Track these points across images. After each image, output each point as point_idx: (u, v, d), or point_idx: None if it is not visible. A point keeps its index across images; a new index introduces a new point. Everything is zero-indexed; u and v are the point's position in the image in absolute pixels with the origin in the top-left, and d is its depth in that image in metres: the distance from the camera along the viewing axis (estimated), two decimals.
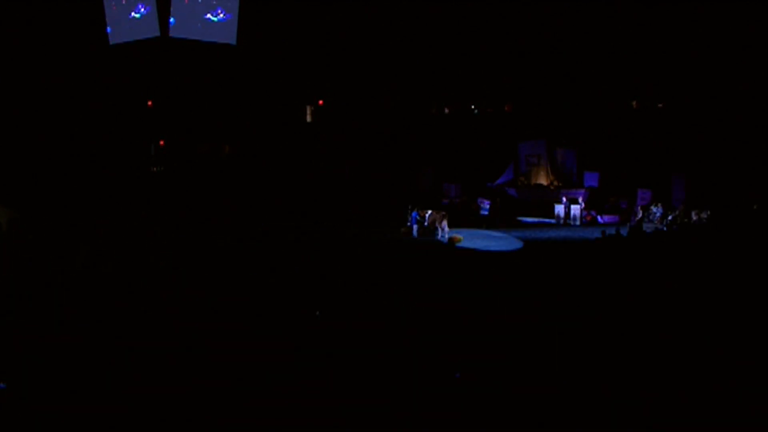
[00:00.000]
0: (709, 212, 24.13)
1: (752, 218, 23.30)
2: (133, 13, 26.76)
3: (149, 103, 30.43)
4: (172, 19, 26.03)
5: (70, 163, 26.91)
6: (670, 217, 25.16)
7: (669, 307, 14.56)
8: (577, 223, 26.29)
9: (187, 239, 22.44)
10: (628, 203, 27.15)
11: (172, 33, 26.64)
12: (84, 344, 12.69)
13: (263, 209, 27.22)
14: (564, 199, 27.27)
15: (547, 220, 27.04)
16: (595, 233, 21.67)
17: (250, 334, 13.31)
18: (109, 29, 26.70)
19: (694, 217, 24.24)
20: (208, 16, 26.56)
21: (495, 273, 18.09)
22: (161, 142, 30.82)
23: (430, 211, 24.54)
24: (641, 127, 28.44)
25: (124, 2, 26.96)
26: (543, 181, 29.98)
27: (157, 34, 26.59)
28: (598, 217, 26.41)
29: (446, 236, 23.06)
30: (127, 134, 29.25)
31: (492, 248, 22.08)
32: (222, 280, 17.74)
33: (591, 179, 28.89)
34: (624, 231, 21.30)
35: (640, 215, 25.64)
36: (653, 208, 26.02)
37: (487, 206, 29.05)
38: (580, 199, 27.36)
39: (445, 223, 23.60)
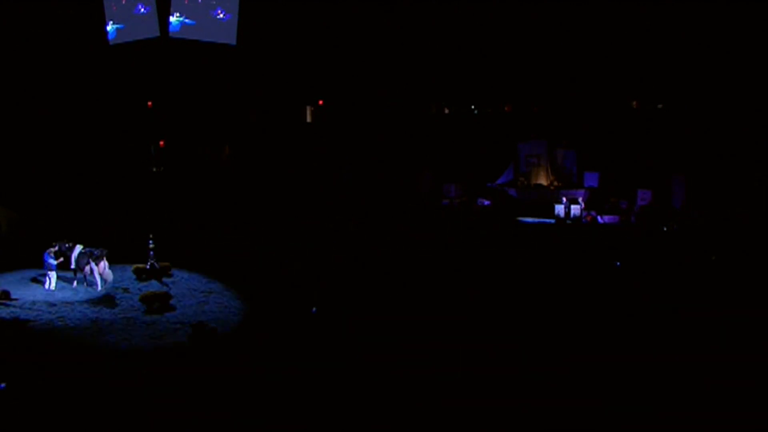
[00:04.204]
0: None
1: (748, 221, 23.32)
2: (132, 14, 26.72)
3: (149, 103, 30.39)
4: (173, 17, 25.99)
5: (70, 164, 26.88)
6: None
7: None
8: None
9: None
10: (628, 203, 27.12)
11: (172, 33, 26.61)
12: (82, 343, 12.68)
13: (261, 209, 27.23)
14: (564, 199, 27.25)
15: (547, 220, 27.02)
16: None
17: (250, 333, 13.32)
18: (108, 29, 26.66)
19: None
20: (208, 15, 26.51)
21: None
22: (161, 143, 30.77)
23: (78, 248, 17.03)
24: (641, 127, 28.41)
25: (123, 2, 26.90)
26: (543, 181, 29.94)
27: (157, 34, 26.53)
28: (598, 218, 26.38)
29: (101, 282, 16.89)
30: (127, 134, 29.20)
31: None
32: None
33: (591, 179, 28.86)
34: None
35: None
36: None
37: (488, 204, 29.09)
38: (580, 200, 27.33)
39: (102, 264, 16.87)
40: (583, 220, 26.28)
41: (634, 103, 29.65)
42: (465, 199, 29.75)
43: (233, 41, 27.14)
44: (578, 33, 28.04)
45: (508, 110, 32.05)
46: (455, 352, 12.17)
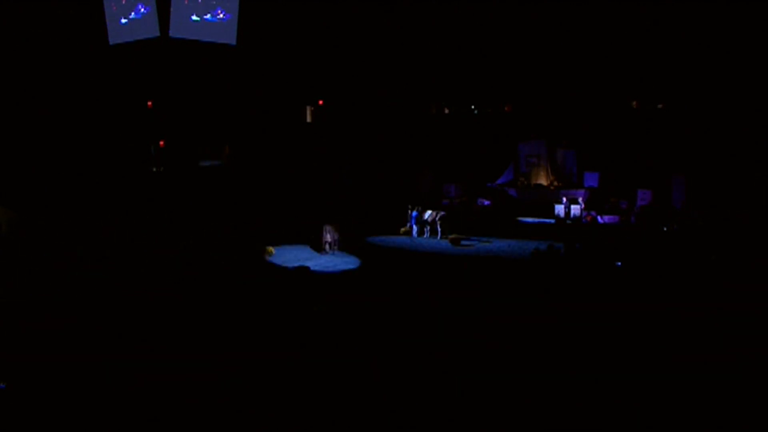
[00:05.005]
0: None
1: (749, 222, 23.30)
2: (133, 13, 26.75)
3: (149, 103, 30.39)
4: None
5: (70, 164, 26.90)
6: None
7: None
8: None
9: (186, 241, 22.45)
10: (628, 203, 27.13)
11: (172, 33, 26.63)
12: (82, 343, 12.70)
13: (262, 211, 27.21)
14: (564, 199, 27.26)
15: (547, 220, 27.04)
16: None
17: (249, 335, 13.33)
18: (108, 29, 26.69)
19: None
20: (208, 15, 26.55)
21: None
22: (161, 143, 30.78)
23: (429, 211, 25.46)
24: (641, 127, 28.42)
25: (124, 2, 26.93)
26: (543, 181, 29.95)
27: (157, 34, 26.55)
28: (598, 218, 26.39)
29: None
30: (127, 134, 29.21)
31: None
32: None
33: (591, 179, 28.88)
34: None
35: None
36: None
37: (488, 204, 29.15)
38: (580, 200, 27.35)
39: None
40: (583, 220, 26.29)
41: (634, 103, 29.65)
42: (465, 199, 29.77)
43: (233, 41, 27.17)
44: (578, 33, 28.05)
45: (508, 110, 32.06)
46: (455, 353, 12.18)
